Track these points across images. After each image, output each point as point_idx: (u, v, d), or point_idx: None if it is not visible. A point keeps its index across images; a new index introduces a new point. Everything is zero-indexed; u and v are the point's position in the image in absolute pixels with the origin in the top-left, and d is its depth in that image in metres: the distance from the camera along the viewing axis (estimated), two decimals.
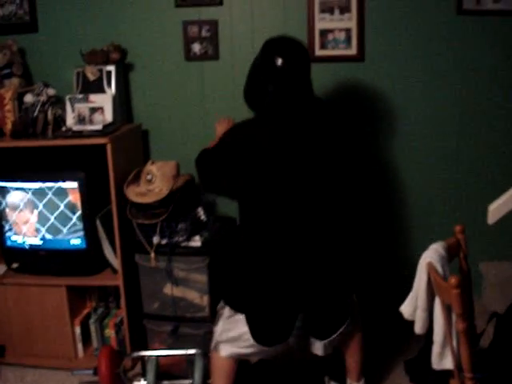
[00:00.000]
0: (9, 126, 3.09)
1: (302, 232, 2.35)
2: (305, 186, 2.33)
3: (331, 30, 3.12)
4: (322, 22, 3.11)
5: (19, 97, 3.11)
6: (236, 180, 2.37)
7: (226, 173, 2.40)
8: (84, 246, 3.05)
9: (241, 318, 2.45)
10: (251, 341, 2.44)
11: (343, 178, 2.50)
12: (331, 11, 3.09)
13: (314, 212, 2.36)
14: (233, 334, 2.48)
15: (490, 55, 3.11)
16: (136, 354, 2.97)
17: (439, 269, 2.07)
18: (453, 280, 1.87)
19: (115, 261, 3.05)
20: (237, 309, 2.48)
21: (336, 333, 2.53)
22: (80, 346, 3.21)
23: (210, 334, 2.80)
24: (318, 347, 2.60)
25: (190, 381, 2.87)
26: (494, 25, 3.07)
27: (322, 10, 3.10)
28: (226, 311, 2.52)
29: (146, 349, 3.05)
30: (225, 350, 2.52)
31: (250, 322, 2.43)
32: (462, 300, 1.89)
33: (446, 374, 2.17)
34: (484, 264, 3.34)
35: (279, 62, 2.24)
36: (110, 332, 3.19)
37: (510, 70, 3.12)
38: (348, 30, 3.11)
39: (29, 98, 3.06)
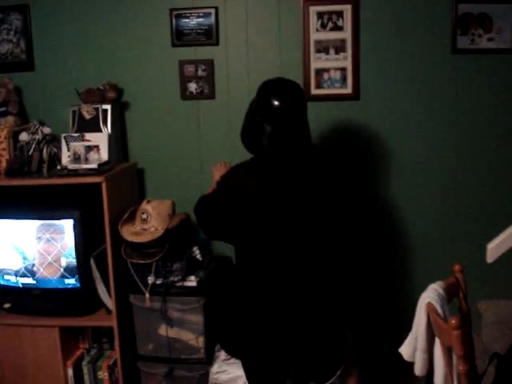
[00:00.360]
0: (3, 165, 3.09)
1: (295, 278, 2.32)
2: (298, 231, 2.30)
3: (327, 70, 3.14)
4: (317, 62, 3.13)
5: (14, 135, 3.11)
6: (231, 225, 2.35)
7: (222, 217, 2.39)
8: (78, 285, 3.00)
9: (236, 361, 2.41)
10: None
11: (337, 224, 2.47)
12: (327, 51, 3.12)
13: (307, 257, 2.33)
14: (228, 377, 2.44)
15: (485, 93, 3.13)
16: None
17: (439, 309, 2.05)
18: (453, 321, 1.84)
19: (109, 301, 3.01)
20: (232, 354, 2.44)
21: (334, 375, 2.48)
22: None
23: (206, 376, 2.76)
24: None
25: None
26: (489, 63, 3.09)
27: (318, 50, 3.12)
28: (223, 353, 2.48)
29: None
30: None
31: (246, 367, 2.40)
32: (463, 341, 1.86)
33: None
34: (482, 303, 3.30)
35: (276, 102, 2.23)
36: (103, 374, 3.13)
37: (506, 107, 3.13)
38: (343, 70, 3.13)
39: (24, 137, 3.06)
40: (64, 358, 3.10)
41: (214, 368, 2.51)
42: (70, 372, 3.12)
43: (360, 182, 3.29)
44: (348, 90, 3.16)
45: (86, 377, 3.15)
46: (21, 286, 3.08)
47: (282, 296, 2.31)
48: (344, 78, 3.14)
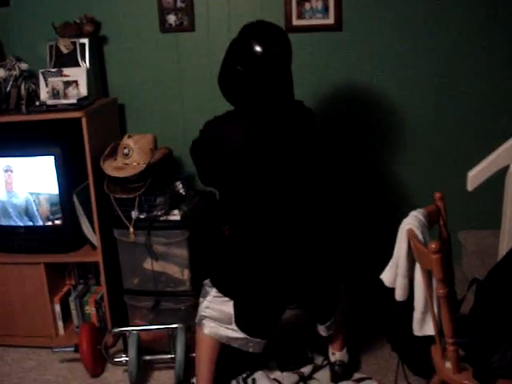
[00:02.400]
0: None
1: (285, 222, 2.34)
2: (281, 179, 2.31)
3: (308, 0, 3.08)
4: None
5: None
6: (215, 175, 2.36)
7: (206, 167, 2.40)
8: (61, 222, 3.01)
9: (228, 299, 2.44)
10: (234, 325, 2.44)
11: (318, 171, 2.48)
12: None
13: (294, 203, 2.35)
14: (218, 314, 2.46)
15: (470, 21, 3.09)
16: (117, 330, 2.95)
17: (419, 235, 2.07)
18: (433, 245, 1.86)
19: (94, 237, 3.01)
20: (225, 293, 2.47)
21: (333, 315, 2.57)
22: (60, 323, 3.18)
23: (192, 308, 2.79)
24: (320, 329, 2.64)
25: (172, 355, 2.85)
26: None
27: None
28: (214, 290, 2.49)
29: (127, 325, 3.03)
30: (208, 328, 2.50)
31: (237, 308, 2.43)
32: (442, 265, 1.88)
33: (427, 340, 2.18)
34: (462, 232, 3.35)
35: (259, 50, 2.12)
36: (90, 309, 3.16)
37: (492, 35, 3.10)
38: None
39: (1, 73, 3.00)
40: (51, 295, 3.12)
41: (205, 302, 2.52)
42: (58, 308, 3.15)
43: (341, 114, 3.27)
44: (330, 20, 3.10)
45: (74, 312, 3.18)
46: (6, 224, 3.07)
47: (275, 240, 2.35)
48: (326, 8, 3.08)
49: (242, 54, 2.17)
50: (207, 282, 2.58)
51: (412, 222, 2.12)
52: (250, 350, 2.50)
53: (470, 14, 3.07)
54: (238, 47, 2.19)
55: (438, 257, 1.87)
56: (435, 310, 2.05)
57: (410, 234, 2.07)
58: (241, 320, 2.43)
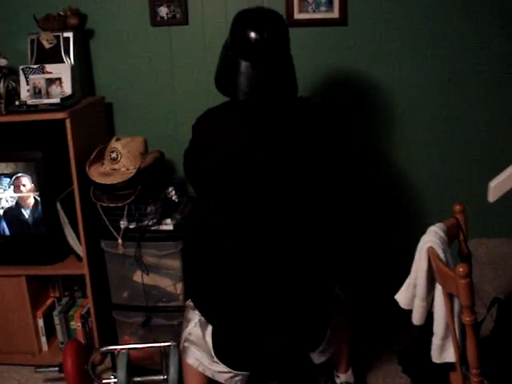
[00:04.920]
0: None
1: (276, 237, 2.11)
2: (277, 188, 2.08)
3: None
4: None
5: None
6: (206, 182, 2.17)
7: (197, 175, 2.23)
8: (44, 231, 2.81)
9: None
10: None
11: (326, 181, 2.23)
12: None
13: (289, 215, 2.11)
14: (202, 342, 2.26)
15: (480, 17, 2.90)
16: (105, 349, 2.78)
17: (441, 254, 1.89)
18: (461, 269, 1.67)
19: (79, 247, 2.82)
20: (205, 316, 2.27)
21: (322, 341, 2.31)
22: (44, 339, 3.01)
23: None
24: (313, 357, 2.40)
25: (165, 376, 2.70)
26: None
27: None
28: (198, 313, 2.30)
29: (116, 342, 2.87)
30: (192, 359, 2.29)
31: (215, 336, 2.23)
32: (470, 291, 1.69)
33: (445, 366, 2.00)
34: (473, 241, 3.17)
35: (252, 33, 1.97)
36: (75, 324, 2.98)
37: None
38: None
39: None
40: (33, 309, 2.94)
41: (190, 326, 2.33)
42: (41, 322, 2.97)
43: (348, 118, 3.08)
44: (335, 14, 2.90)
45: (58, 327, 3.00)
46: None
47: (262, 255, 2.11)
48: (330, 1, 2.88)
49: (232, 39, 2.05)
50: (190, 302, 2.37)
51: (432, 239, 1.93)
52: None
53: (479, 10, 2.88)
54: (230, 33, 2.07)
55: (466, 282, 1.68)
56: (457, 336, 1.87)
57: (431, 253, 1.89)
58: (221, 350, 2.22)
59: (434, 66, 2.99)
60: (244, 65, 2.01)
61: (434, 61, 2.98)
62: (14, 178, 2.79)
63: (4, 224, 2.86)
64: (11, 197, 2.82)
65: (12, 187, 2.81)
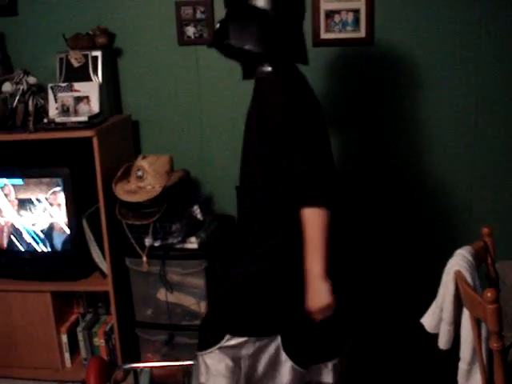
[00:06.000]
0: None
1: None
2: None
3: (338, 11, 2.87)
4: (327, 3, 2.85)
5: None
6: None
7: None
8: (70, 248, 2.83)
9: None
10: None
11: None
12: None
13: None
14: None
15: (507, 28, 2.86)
16: (128, 366, 2.77)
17: (468, 278, 1.85)
18: (489, 294, 1.64)
19: (104, 264, 2.83)
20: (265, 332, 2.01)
21: (344, 349, 2.19)
22: (67, 355, 3.01)
23: None
24: (325, 374, 2.19)
25: None
26: None
27: None
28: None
29: (139, 359, 2.88)
30: None
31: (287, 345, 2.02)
32: (498, 316, 1.66)
33: None
34: (501, 263, 3.10)
35: None
36: (99, 341, 2.98)
37: None
38: (356, 11, 2.85)
39: (7, 87, 2.87)
40: (57, 324, 2.95)
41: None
42: (65, 338, 2.98)
43: (372, 134, 3.06)
44: (361, 33, 2.89)
45: (82, 343, 3.01)
46: (9, 248, 2.92)
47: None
48: (357, 21, 2.87)
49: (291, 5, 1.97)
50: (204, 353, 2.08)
51: (459, 262, 1.90)
52: None
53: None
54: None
55: (494, 307, 1.65)
56: (485, 361, 1.83)
57: (458, 277, 1.86)
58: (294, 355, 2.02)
59: (464, 82, 2.95)
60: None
61: (463, 77, 2.94)
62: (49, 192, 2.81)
63: (31, 240, 2.88)
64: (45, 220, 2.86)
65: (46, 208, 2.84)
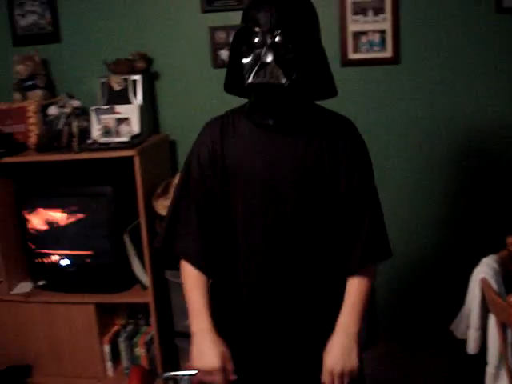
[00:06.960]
0: (33, 140, 3.02)
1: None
2: None
3: (365, 32, 2.99)
4: (355, 24, 2.98)
5: (43, 109, 3.04)
6: None
7: None
8: (112, 261, 2.95)
9: None
10: None
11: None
12: (364, 12, 2.96)
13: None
14: None
15: None
16: (168, 375, 2.86)
17: (494, 285, 1.94)
18: None
19: (144, 277, 2.95)
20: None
21: None
22: (109, 364, 3.11)
23: None
24: None
25: None
26: None
27: (355, 12, 2.96)
28: None
29: (178, 368, 2.95)
30: None
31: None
32: None
33: None
34: None
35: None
36: (140, 350, 3.08)
37: None
38: (382, 32, 2.97)
39: (53, 111, 3.00)
40: (100, 335, 3.06)
41: None
42: (107, 349, 3.08)
43: (398, 153, 3.15)
44: (388, 53, 3.00)
45: (123, 353, 3.11)
46: (55, 262, 3.04)
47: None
48: (383, 41, 2.99)
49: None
50: None
51: (485, 270, 2.00)
52: None
53: None
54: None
55: None
56: (511, 365, 1.91)
57: (484, 285, 1.95)
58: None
59: (487, 97, 3.02)
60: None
61: (490, 97, 3.02)
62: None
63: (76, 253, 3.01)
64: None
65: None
